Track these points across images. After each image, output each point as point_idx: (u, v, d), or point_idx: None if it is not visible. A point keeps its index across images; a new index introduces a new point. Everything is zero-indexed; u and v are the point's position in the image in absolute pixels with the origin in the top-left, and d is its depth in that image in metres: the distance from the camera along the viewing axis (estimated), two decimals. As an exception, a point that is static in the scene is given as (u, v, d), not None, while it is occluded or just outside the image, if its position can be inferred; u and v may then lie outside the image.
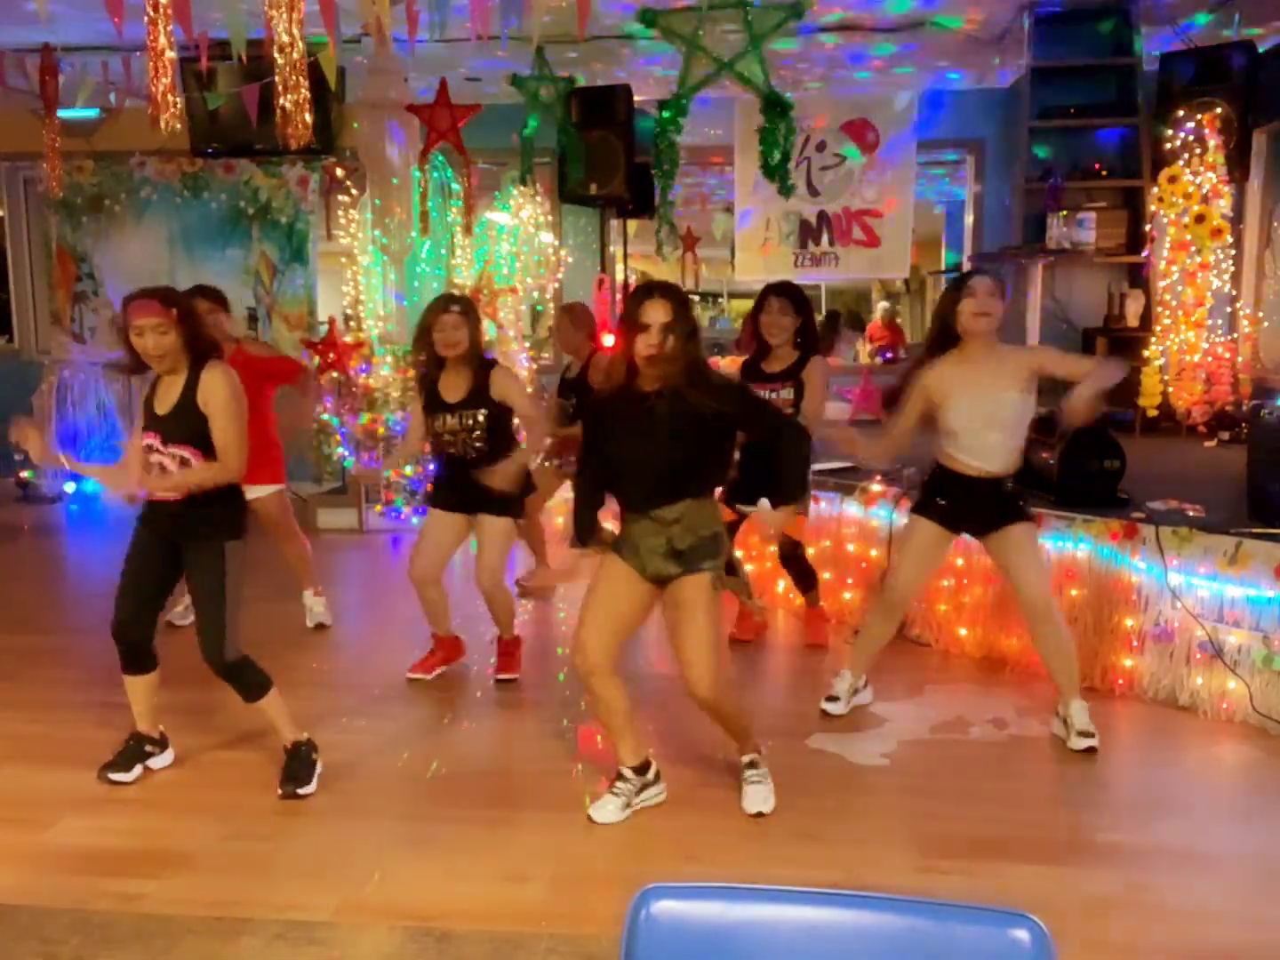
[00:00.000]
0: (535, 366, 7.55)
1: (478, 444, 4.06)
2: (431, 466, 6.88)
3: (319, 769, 3.39)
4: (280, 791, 3.28)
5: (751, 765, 3.27)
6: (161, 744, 3.55)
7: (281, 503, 4.87)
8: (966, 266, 8.61)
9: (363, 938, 2.61)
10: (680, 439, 2.96)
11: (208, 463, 3.19)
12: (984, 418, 3.53)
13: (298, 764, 3.36)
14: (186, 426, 3.18)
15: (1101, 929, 2.60)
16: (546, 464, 5.56)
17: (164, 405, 3.22)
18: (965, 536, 3.86)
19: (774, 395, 4.34)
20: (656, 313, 2.91)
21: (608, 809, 3.14)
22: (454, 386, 4.06)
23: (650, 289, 3.02)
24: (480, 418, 4.02)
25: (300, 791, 3.30)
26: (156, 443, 3.20)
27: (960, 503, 3.65)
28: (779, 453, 3.10)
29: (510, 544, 4.29)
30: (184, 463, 3.19)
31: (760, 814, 3.15)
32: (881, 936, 1.22)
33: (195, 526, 3.24)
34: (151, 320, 3.11)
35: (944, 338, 3.60)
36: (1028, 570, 3.60)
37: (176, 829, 3.12)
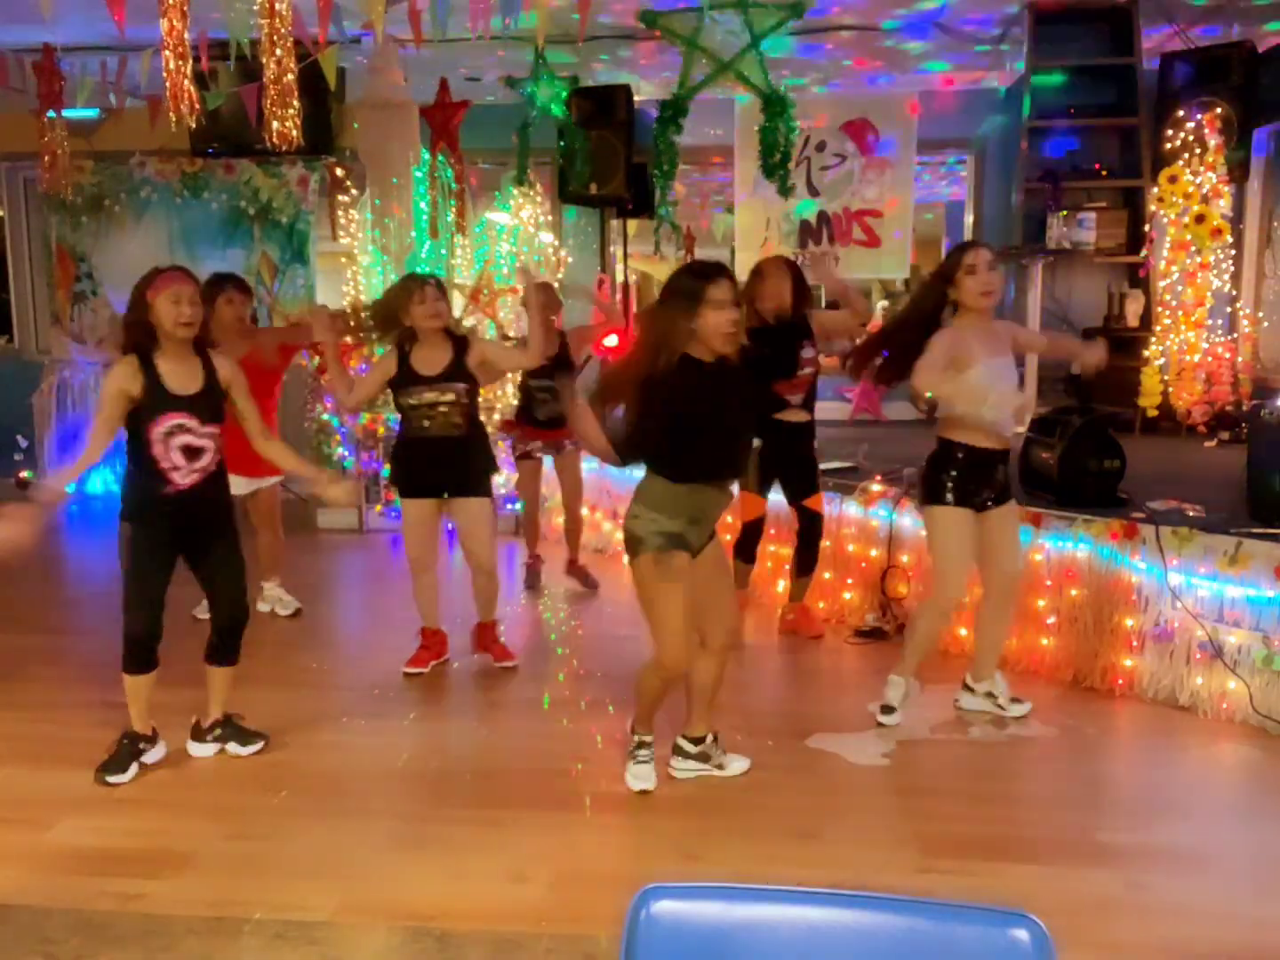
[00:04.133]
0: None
1: (457, 419, 4.06)
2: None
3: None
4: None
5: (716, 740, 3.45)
6: (152, 739, 3.57)
7: (276, 494, 5.02)
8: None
9: (363, 938, 2.61)
10: (747, 409, 3.15)
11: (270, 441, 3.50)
12: (1003, 381, 3.59)
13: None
14: (217, 406, 3.31)
15: (1101, 929, 2.60)
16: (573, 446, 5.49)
17: (188, 386, 3.26)
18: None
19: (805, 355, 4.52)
20: (729, 290, 2.99)
21: (643, 775, 3.33)
22: (430, 360, 4.05)
23: (718, 268, 3.07)
24: (459, 393, 4.04)
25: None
26: (194, 423, 3.25)
27: (978, 479, 3.66)
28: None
29: (495, 522, 4.35)
30: (215, 440, 3.32)
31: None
32: (881, 936, 1.22)
33: (216, 507, 3.41)
34: (190, 289, 3.21)
35: (939, 305, 3.64)
36: (1015, 547, 3.78)
37: (176, 829, 3.12)
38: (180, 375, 3.24)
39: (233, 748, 3.61)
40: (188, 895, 2.76)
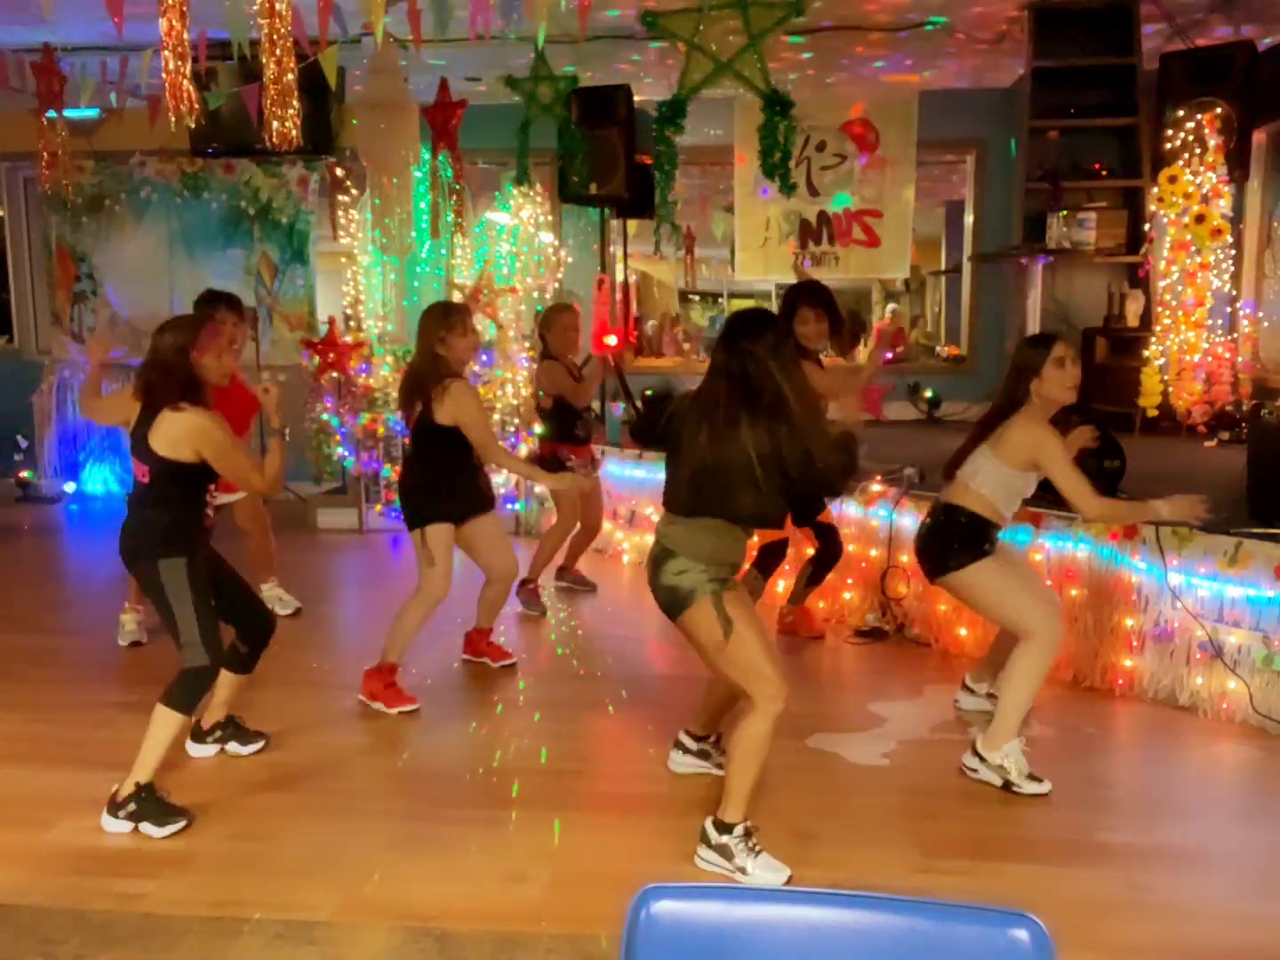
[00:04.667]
0: (535, 366, 7.54)
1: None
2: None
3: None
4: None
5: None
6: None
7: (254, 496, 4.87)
8: (967, 266, 8.62)
9: (363, 938, 2.61)
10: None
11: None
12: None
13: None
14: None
15: (1101, 929, 2.60)
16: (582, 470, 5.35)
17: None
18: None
19: None
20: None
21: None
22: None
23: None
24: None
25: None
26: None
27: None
28: None
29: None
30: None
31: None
32: (881, 936, 1.22)
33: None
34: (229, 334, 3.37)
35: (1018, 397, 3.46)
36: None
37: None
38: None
39: (233, 747, 3.61)
40: (188, 895, 2.76)
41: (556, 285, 7.61)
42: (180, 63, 4.32)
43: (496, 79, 7.12)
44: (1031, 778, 3.32)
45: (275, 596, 5.18)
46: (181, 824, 3.10)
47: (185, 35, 4.33)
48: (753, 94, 6.41)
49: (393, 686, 4.01)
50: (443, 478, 4.04)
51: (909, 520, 4.73)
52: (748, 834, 2.85)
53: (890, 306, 11.99)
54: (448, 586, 4.03)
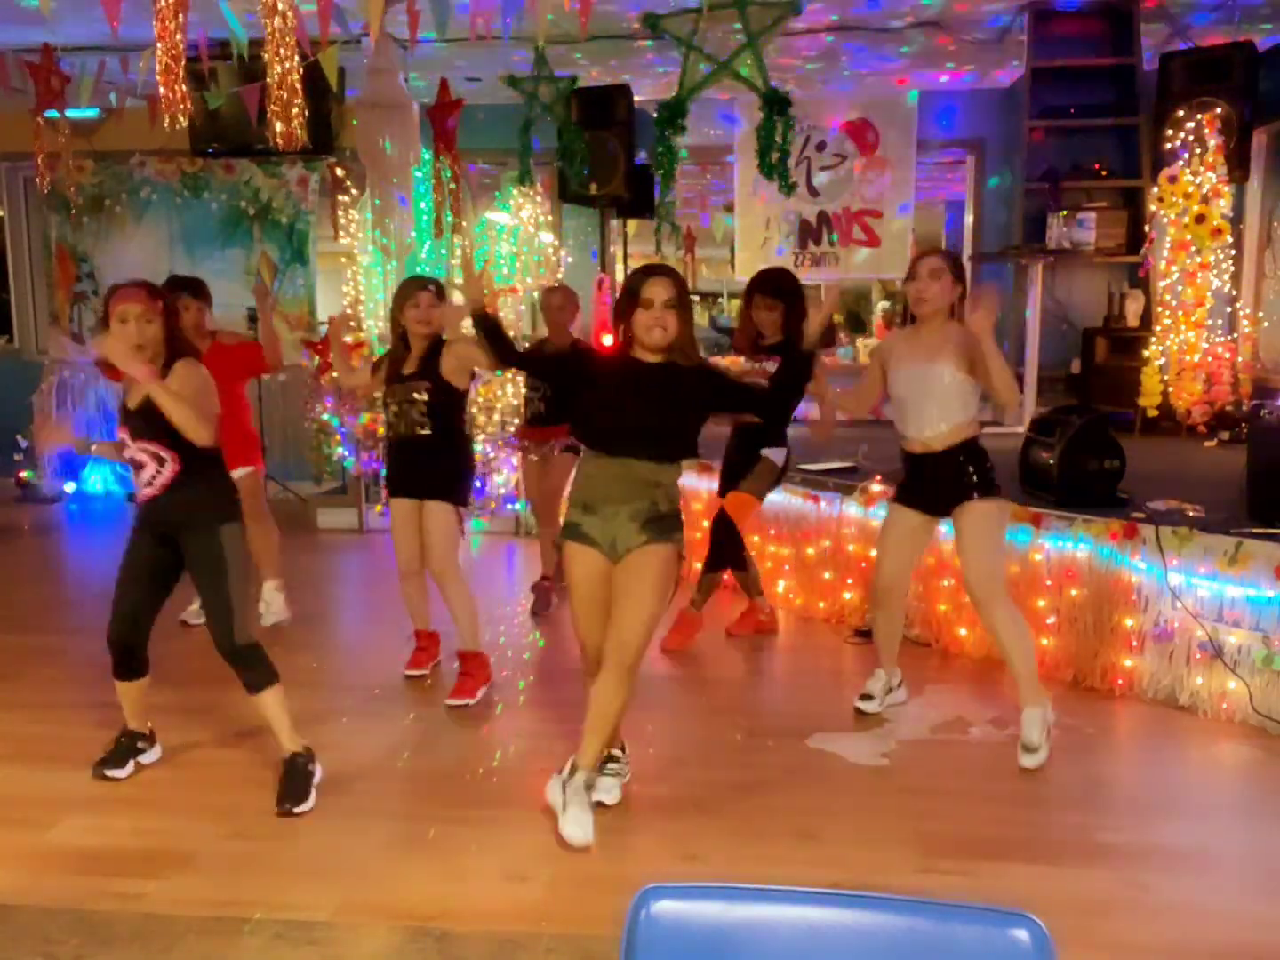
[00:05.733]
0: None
1: (419, 417, 4.03)
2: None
3: (318, 778, 3.33)
4: (278, 809, 3.21)
5: (613, 759, 3.32)
6: (150, 739, 3.56)
7: (253, 485, 4.88)
8: (966, 266, 8.62)
9: (363, 938, 2.61)
10: (669, 404, 3.03)
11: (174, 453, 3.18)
12: (918, 390, 3.61)
13: (295, 780, 3.28)
14: (156, 422, 3.12)
15: (1101, 929, 2.60)
16: (555, 452, 5.35)
17: (134, 400, 3.21)
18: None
19: (758, 366, 4.37)
20: (660, 290, 2.99)
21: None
22: (412, 360, 4.10)
23: (652, 269, 3.11)
24: (423, 391, 4.01)
25: (297, 810, 3.22)
26: (126, 438, 3.21)
27: (915, 481, 3.74)
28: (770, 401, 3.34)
29: (455, 531, 4.19)
30: (155, 457, 3.18)
31: (601, 804, 3.15)
32: (881, 936, 1.22)
33: (187, 515, 3.22)
34: (137, 307, 3.10)
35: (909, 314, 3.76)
36: (969, 552, 3.57)
37: (176, 829, 3.12)
38: (137, 388, 3.19)
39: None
40: (188, 895, 2.76)
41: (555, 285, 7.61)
42: (173, 63, 4.33)
43: (498, 79, 7.12)
44: (865, 696, 3.86)
45: (268, 601, 5.03)
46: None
47: (178, 36, 4.34)
48: (752, 94, 6.41)
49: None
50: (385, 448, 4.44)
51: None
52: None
53: (882, 305, 11.99)
54: (399, 557, 4.33)
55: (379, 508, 7.18)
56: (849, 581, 5.05)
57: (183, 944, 2.55)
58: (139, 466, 3.22)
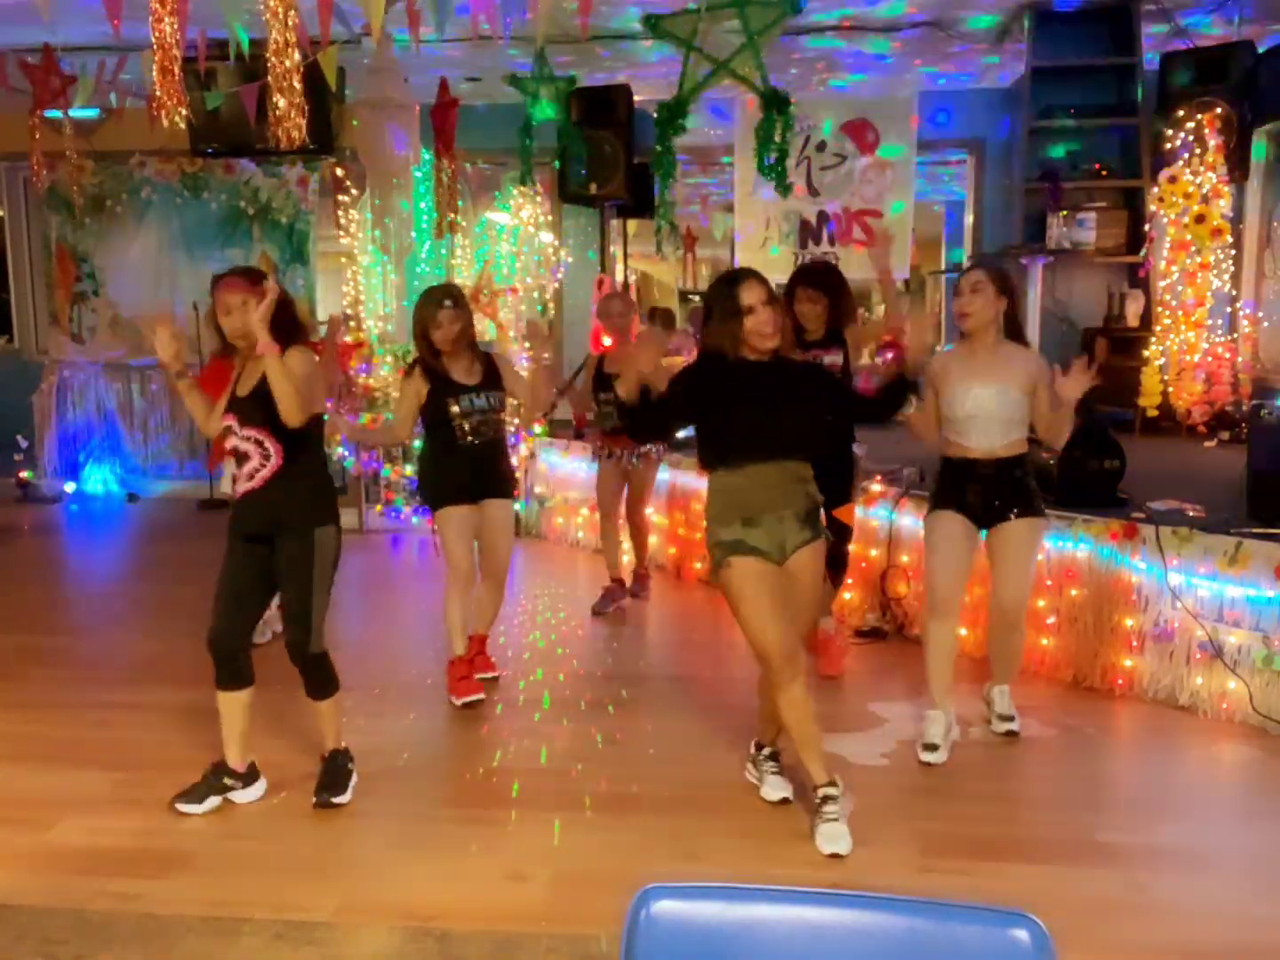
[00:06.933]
0: (535, 366, 7.53)
1: (496, 424, 4.14)
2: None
3: (354, 779, 3.32)
4: (315, 799, 3.22)
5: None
6: (247, 777, 3.31)
7: None
8: (966, 266, 8.62)
9: (363, 938, 2.61)
10: (800, 400, 3.05)
11: (278, 443, 3.13)
12: (987, 408, 3.51)
13: (336, 773, 3.29)
14: (265, 409, 3.07)
15: (1101, 929, 2.60)
16: (609, 457, 5.36)
17: (245, 387, 3.17)
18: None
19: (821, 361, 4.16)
20: (756, 293, 2.99)
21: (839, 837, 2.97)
22: (467, 370, 4.08)
23: (736, 275, 3.08)
24: (499, 398, 4.12)
25: (335, 800, 3.23)
26: (235, 425, 3.16)
27: (965, 488, 3.58)
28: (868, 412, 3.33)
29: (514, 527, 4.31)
30: (259, 445, 3.13)
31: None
32: (881, 936, 1.22)
33: (284, 513, 3.15)
34: (238, 298, 3.09)
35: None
36: (1015, 569, 3.54)
37: (176, 829, 3.12)
38: (247, 376, 3.18)
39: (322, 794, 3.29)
40: (188, 895, 2.76)
41: (556, 285, 7.63)
42: (168, 64, 4.34)
43: (499, 78, 7.12)
44: (929, 747, 3.54)
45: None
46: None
47: (176, 38, 4.35)
48: (751, 93, 6.41)
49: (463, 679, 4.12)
50: (431, 459, 4.27)
51: (909, 520, 4.74)
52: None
53: (880, 305, 11.98)
54: (463, 568, 4.13)
55: (379, 508, 7.18)
56: (849, 581, 5.05)
57: (182, 944, 2.55)
58: (243, 458, 3.16)
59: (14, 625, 5.15)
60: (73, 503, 8.32)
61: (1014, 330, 3.64)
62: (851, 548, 4.59)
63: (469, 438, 4.05)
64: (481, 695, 4.10)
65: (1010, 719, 3.77)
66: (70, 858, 2.96)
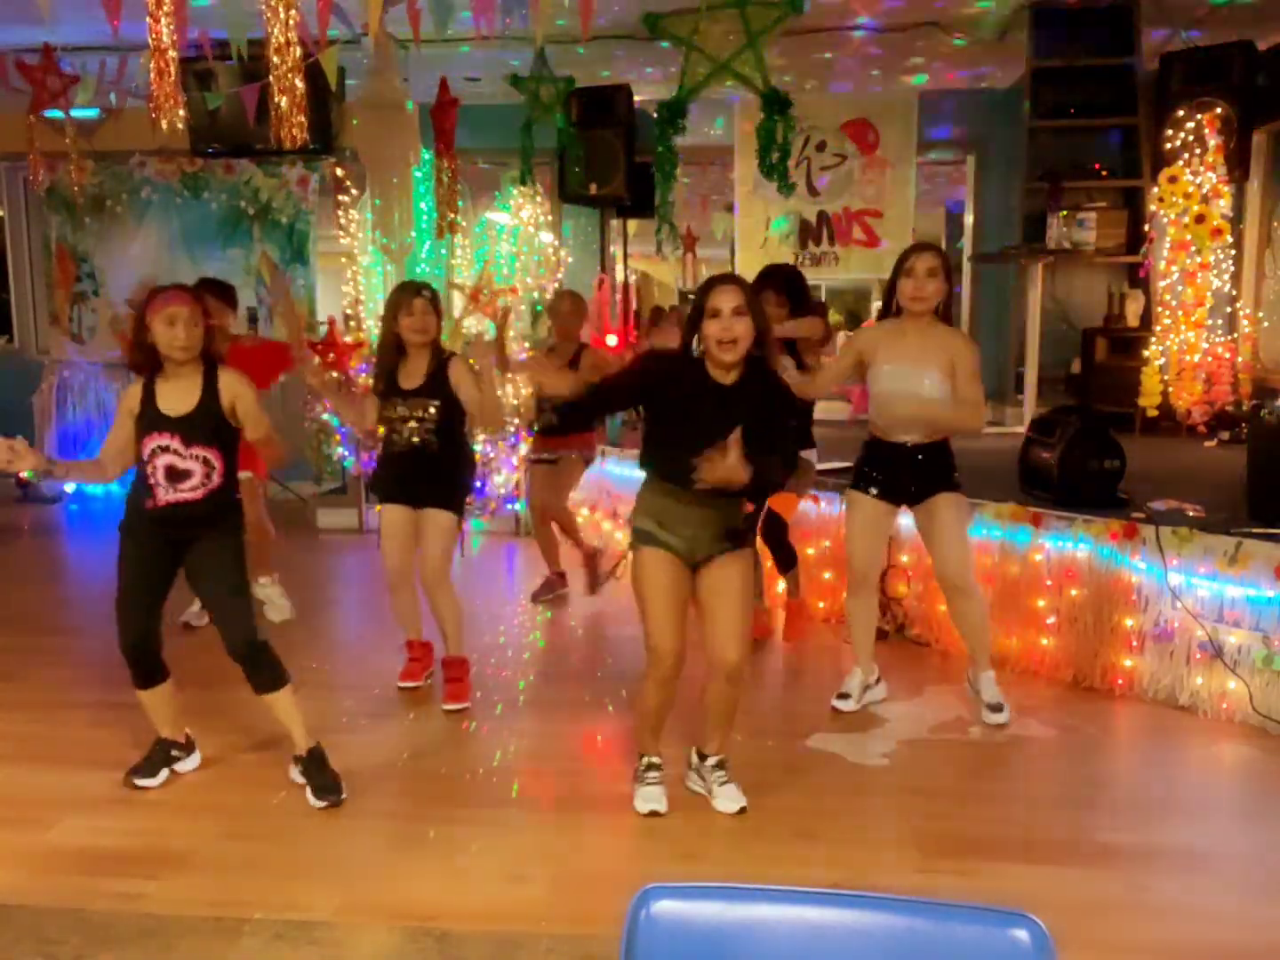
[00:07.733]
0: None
1: (427, 436, 3.95)
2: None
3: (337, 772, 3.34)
4: (320, 803, 3.23)
5: (720, 766, 3.27)
6: (186, 747, 3.51)
7: (250, 491, 4.76)
8: (966, 266, 8.62)
9: (363, 938, 2.61)
10: (749, 443, 2.83)
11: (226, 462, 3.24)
12: (903, 389, 3.64)
13: (320, 772, 3.30)
14: (209, 428, 3.16)
15: (1101, 929, 2.60)
16: (573, 456, 5.41)
17: (179, 406, 3.16)
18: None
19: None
20: (729, 300, 2.90)
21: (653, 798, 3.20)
22: (412, 374, 3.98)
23: (723, 278, 3.04)
24: (432, 409, 3.94)
25: (340, 798, 3.25)
26: (176, 444, 3.15)
27: (886, 472, 3.79)
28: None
29: (454, 540, 4.16)
30: (206, 463, 3.16)
31: (743, 809, 3.17)
32: (881, 936, 1.22)
33: (217, 519, 3.23)
34: (186, 310, 3.10)
35: (890, 306, 3.77)
36: (950, 540, 3.74)
37: (176, 829, 3.12)
38: (174, 395, 3.17)
39: (308, 794, 3.31)
40: (187, 895, 2.76)
41: (556, 285, 7.62)
42: (165, 65, 4.34)
43: (500, 78, 7.12)
44: (842, 695, 3.96)
45: (267, 597, 5.02)
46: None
47: (173, 39, 4.35)
48: (752, 93, 6.41)
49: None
50: (379, 456, 4.30)
51: (908, 520, 4.72)
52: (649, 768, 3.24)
53: (879, 305, 11.98)
54: (388, 565, 4.18)
55: (379, 508, 7.17)
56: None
57: (182, 944, 2.55)
58: (182, 475, 3.16)
59: (14, 625, 5.15)
60: (73, 503, 8.32)
61: (945, 312, 3.73)
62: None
63: (408, 441, 3.97)
64: (418, 683, 4.23)
65: (999, 709, 3.80)
66: (70, 858, 2.96)
